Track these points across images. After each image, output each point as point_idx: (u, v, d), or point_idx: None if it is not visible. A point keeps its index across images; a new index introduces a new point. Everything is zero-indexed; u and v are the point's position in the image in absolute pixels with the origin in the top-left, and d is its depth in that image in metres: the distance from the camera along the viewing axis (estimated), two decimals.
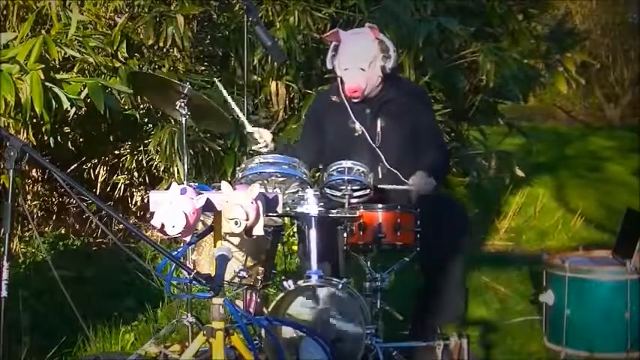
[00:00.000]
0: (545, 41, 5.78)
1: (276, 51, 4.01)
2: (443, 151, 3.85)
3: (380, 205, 3.36)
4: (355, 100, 3.62)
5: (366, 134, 3.61)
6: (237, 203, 2.61)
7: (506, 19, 5.64)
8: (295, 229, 4.89)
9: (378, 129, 3.62)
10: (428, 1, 5.11)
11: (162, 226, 2.52)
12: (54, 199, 5.95)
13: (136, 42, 5.09)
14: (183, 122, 3.43)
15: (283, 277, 3.41)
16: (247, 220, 2.62)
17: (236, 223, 2.61)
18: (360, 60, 3.58)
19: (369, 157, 3.55)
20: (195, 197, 2.59)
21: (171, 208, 2.52)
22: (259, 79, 5.26)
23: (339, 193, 3.36)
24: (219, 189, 2.69)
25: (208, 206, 2.66)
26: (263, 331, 3.10)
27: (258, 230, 2.69)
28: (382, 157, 3.58)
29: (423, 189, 3.45)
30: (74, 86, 4.48)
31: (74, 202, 5.56)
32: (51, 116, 4.36)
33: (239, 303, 3.41)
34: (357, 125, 3.63)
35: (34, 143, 5.01)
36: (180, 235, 2.54)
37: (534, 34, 5.79)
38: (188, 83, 3.61)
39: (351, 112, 3.64)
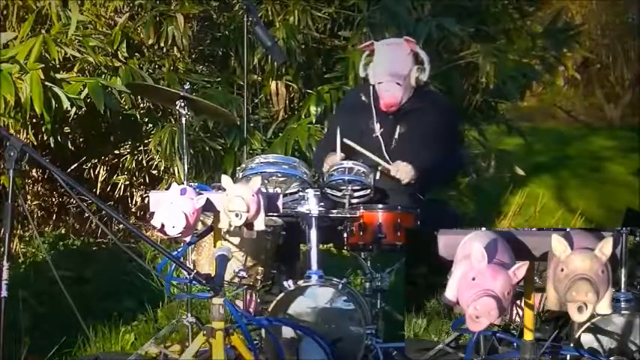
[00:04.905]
0: (541, 38, 5.79)
1: (276, 51, 4.02)
2: (447, 160, 3.75)
3: (380, 206, 3.37)
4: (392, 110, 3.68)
5: (380, 138, 3.66)
6: (238, 195, 2.61)
7: (501, 18, 5.65)
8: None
9: (396, 134, 3.67)
10: (426, 0, 5.12)
11: (163, 226, 2.52)
12: (54, 199, 5.94)
13: (136, 41, 5.09)
14: (183, 122, 3.43)
15: (283, 277, 3.41)
16: (248, 212, 2.61)
17: (237, 215, 2.60)
18: (396, 75, 3.63)
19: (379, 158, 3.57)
20: (195, 197, 2.59)
21: (171, 208, 2.53)
22: (259, 79, 5.26)
23: (339, 193, 3.37)
24: (220, 189, 2.69)
25: (208, 206, 2.66)
26: (263, 331, 3.10)
27: (259, 225, 2.68)
28: (389, 161, 3.60)
29: (401, 174, 3.49)
30: (74, 86, 4.49)
31: (74, 202, 5.55)
32: (51, 116, 4.36)
33: (239, 303, 3.41)
34: (377, 127, 3.68)
35: (34, 143, 5.01)
36: (180, 235, 2.54)
37: (529, 32, 5.80)
38: (188, 83, 3.62)
39: (374, 114, 3.70)
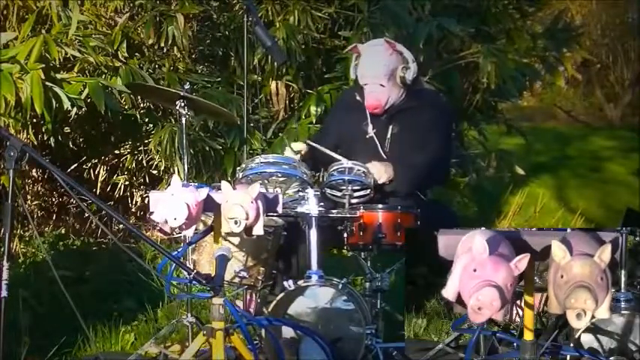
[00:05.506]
0: (542, 39, 5.81)
1: (276, 51, 4.03)
2: (440, 159, 3.74)
3: (380, 205, 3.38)
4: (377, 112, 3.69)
5: (375, 139, 3.67)
6: (237, 203, 2.61)
7: (502, 18, 5.67)
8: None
9: (389, 135, 3.67)
10: (426, 0, 5.12)
11: (165, 221, 2.52)
12: (54, 199, 5.95)
13: (137, 41, 5.09)
14: (183, 122, 3.43)
15: (283, 277, 3.41)
16: (247, 219, 2.62)
17: (236, 223, 2.61)
18: (377, 76, 3.64)
19: (373, 159, 3.57)
20: (197, 190, 2.59)
21: (173, 200, 2.52)
22: (259, 79, 5.26)
23: (339, 194, 3.37)
24: (219, 189, 2.69)
25: (209, 205, 2.66)
26: (263, 331, 3.10)
27: (258, 230, 2.69)
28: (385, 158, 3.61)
29: (375, 173, 3.45)
30: (75, 86, 4.49)
31: (74, 202, 5.55)
32: (51, 116, 4.37)
33: (239, 303, 3.41)
34: (370, 128, 3.70)
35: (35, 143, 5.01)
36: (183, 226, 2.53)
37: (530, 33, 5.82)
38: (188, 83, 3.62)
39: (368, 114, 3.71)
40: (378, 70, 3.63)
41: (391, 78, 3.63)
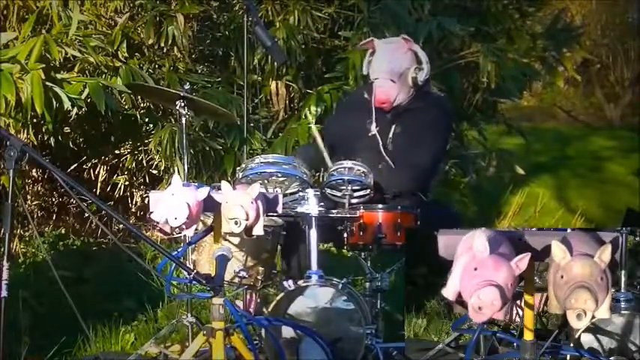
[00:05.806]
0: (542, 39, 5.82)
1: (276, 51, 4.03)
2: (432, 162, 3.76)
3: (380, 206, 3.38)
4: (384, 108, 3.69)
5: (378, 136, 3.67)
6: (237, 203, 2.61)
7: (502, 18, 5.68)
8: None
9: (391, 134, 3.67)
10: (426, 0, 5.13)
11: (165, 221, 2.52)
12: (54, 199, 5.95)
13: (137, 41, 5.10)
14: (183, 122, 3.44)
15: (283, 277, 3.41)
16: (247, 219, 2.62)
17: (236, 223, 2.61)
18: (390, 72, 3.64)
19: (375, 158, 3.59)
20: (197, 189, 2.59)
21: (173, 199, 2.52)
22: (259, 79, 5.27)
23: (339, 194, 3.37)
24: (219, 189, 2.69)
25: (209, 205, 2.66)
26: (263, 331, 3.10)
27: (258, 230, 2.70)
28: (389, 160, 3.62)
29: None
30: (75, 86, 4.49)
31: (74, 202, 5.55)
32: (52, 116, 4.37)
33: (239, 303, 3.41)
34: (373, 126, 3.69)
35: (35, 143, 5.01)
36: (183, 226, 2.53)
37: (530, 33, 5.83)
38: (188, 83, 3.63)
39: (373, 112, 3.70)
40: (391, 67, 3.64)
41: (403, 76, 3.65)
